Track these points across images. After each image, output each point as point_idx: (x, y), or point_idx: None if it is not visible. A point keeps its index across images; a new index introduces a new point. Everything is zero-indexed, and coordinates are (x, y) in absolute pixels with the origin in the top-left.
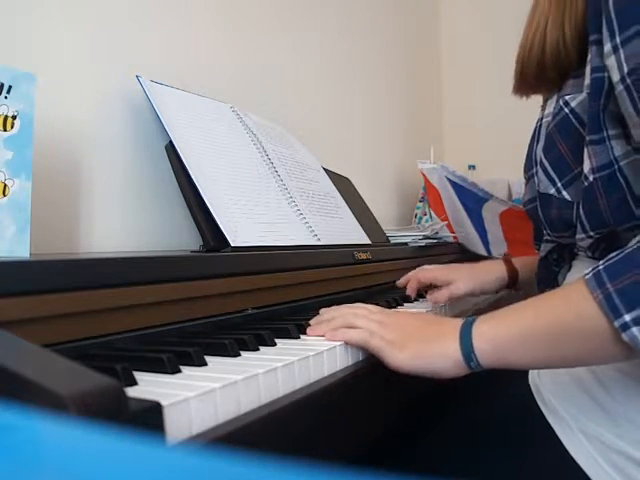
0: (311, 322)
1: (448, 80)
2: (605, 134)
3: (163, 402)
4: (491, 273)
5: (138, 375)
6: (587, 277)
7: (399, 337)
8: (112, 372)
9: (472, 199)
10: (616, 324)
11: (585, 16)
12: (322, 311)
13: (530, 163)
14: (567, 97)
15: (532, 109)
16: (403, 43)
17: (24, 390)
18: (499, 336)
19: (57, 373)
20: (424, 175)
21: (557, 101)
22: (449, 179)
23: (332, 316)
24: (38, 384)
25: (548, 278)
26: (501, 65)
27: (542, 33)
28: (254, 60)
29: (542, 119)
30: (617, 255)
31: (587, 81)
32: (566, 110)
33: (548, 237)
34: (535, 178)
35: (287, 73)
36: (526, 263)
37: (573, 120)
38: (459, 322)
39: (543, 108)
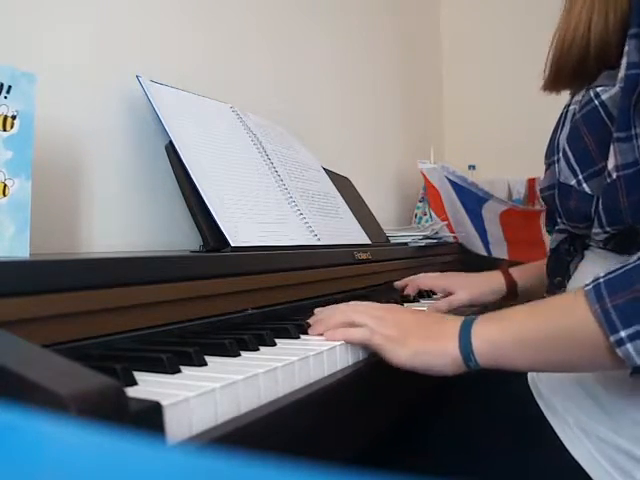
0: (310, 321)
1: (448, 80)
2: (633, 132)
3: (163, 402)
4: (489, 285)
5: (138, 375)
6: (587, 288)
7: (399, 333)
8: (112, 372)
9: (472, 199)
10: (612, 339)
11: (631, 8)
12: (317, 310)
13: (552, 150)
14: (598, 89)
15: (532, 109)
16: (403, 42)
17: (24, 390)
18: (498, 338)
19: (57, 373)
20: (424, 175)
21: (587, 90)
22: (449, 179)
23: (330, 314)
24: (38, 384)
25: (560, 269)
26: (501, 65)
27: (586, 26)
28: (254, 60)
29: (569, 106)
30: (618, 270)
31: (621, 74)
32: (596, 102)
33: (561, 226)
34: (556, 166)
35: (287, 73)
36: (524, 273)
37: (602, 113)
38: (459, 321)
39: (572, 94)
